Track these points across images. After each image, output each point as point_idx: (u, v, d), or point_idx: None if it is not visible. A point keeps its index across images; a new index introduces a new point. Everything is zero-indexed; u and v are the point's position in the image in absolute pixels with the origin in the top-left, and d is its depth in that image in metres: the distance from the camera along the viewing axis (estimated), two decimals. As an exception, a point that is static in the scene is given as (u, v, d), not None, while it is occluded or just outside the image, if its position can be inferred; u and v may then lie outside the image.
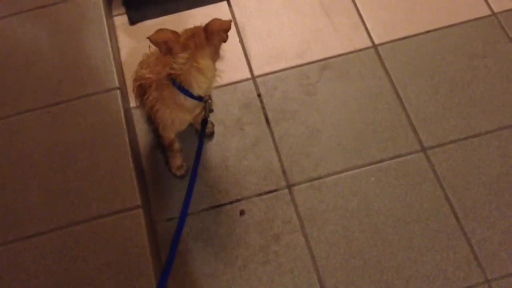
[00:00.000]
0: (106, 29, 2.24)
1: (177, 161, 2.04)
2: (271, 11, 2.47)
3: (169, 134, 1.95)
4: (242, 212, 1.99)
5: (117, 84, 2.11)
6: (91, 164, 1.94)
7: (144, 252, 1.78)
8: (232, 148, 2.11)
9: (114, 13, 2.49)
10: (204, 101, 1.78)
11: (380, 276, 1.84)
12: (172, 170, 2.06)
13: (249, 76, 2.29)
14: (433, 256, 1.87)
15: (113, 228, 1.82)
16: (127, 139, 1.98)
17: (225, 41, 1.70)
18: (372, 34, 2.36)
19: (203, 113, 1.85)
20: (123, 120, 2.02)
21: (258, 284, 1.86)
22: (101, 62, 2.16)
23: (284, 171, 2.06)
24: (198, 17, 2.45)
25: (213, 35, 1.64)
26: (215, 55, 1.71)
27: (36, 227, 1.84)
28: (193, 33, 1.63)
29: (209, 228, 1.95)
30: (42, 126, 2.04)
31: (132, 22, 2.46)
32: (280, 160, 2.09)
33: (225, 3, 2.50)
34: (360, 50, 2.33)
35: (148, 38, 1.62)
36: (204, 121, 1.85)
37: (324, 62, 2.30)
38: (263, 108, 2.21)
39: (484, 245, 1.88)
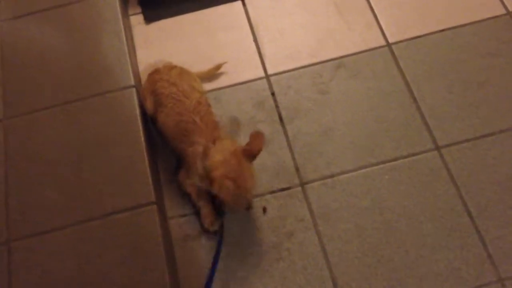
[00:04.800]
0: (122, 28, 2.27)
1: (207, 215, 1.97)
2: (285, 10, 2.48)
3: (189, 188, 1.98)
4: (265, 210, 2.00)
5: (132, 82, 2.13)
6: (106, 161, 1.96)
7: (158, 249, 1.80)
8: (245, 146, 2.12)
9: (130, 12, 2.52)
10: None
11: (393, 274, 1.84)
12: (204, 225, 1.96)
13: (262, 74, 2.30)
14: (446, 255, 1.86)
15: (127, 224, 1.84)
16: (142, 136, 2.00)
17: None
18: (386, 33, 2.36)
19: None
20: (139, 118, 2.04)
21: (271, 281, 1.87)
22: (117, 61, 2.18)
23: (297, 169, 2.07)
24: (213, 16, 2.47)
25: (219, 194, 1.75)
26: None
27: (51, 223, 1.86)
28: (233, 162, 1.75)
29: (223, 225, 1.96)
30: (58, 124, 2.06)
31: (148, 21, 2.49)
32: (293, 158, 2.09)
33: (239, 2, 2.51)
34: (373, 49, 2.33)
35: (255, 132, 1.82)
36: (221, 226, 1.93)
37: (338, 61, 2.31)
38: (277, 106, 2.22)
39: (498, 243, 1.87)
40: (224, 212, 1.93)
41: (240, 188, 1.74)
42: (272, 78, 2.29)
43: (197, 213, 2.00)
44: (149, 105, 2.07)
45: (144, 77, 2.22)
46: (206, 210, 1.97)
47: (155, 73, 2.10)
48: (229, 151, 1.77)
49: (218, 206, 1.95)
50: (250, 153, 1.78)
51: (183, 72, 2.11)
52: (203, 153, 1.79)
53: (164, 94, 1.99)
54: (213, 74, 2.29)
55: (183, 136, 1.91)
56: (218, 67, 2.28)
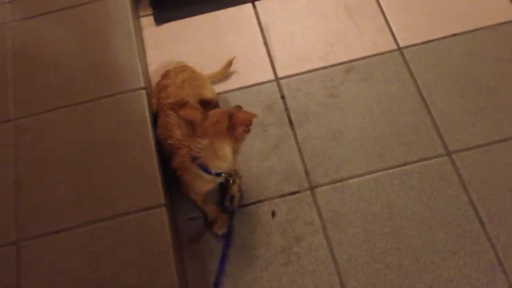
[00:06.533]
0: (133, 30, 2.28)
1: (215, 219, 1.98)
2: (295, 14, 2.48)
3: (193, 196, 1.99)
4: (273, 213, 1.99)
5: (142, 84, 2.13)
6: (117, 162, 1.96)
7: (167, 250, 1.80)
8: (255, 149, 2.12)
9: (141, 13, 2.53)
10: (226, 177, 1.87)
11: (403, 280, 1.83)
12: (213, 229, 1.97)
13: (272, 77, 2.30)
14: (457, 261, 1.85)
15: (137, 226, 1.84)
16: (152, 138, 2.00)
17: (247, 133, 1.76)
18: (397, 37, 2.35)
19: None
20: (148, 120, 2.04)
21: (279, 285, 1.86)
22: (127, 62, 2.19)
23: (306, 173, 2.06)
24: (223, 18, 2.47)
25: (236, 127, 1.70)
26: (236, 144, 1.77)
27: (62, 223, 1.87)
28: (216, 120, 1.71)
29: (231, 228, 1.95)
30: (68, 124, 2.07)
31: (158, 22, 2.49)
32: (303, 161, 2.09)
33: (249, 5, 2.51)
34: (384, 52, 2.32)
35: (178, 113, 1.78)
36: (231, 197, 1.93)
37: (348, 65, 2.30)
38: (287, 109, 2.21)
39: (509, 250, 1.85)
40: (233, 212, 1.93)
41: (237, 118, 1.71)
42: (282, 81, 2.29)
43: (205, 216, 2.00)
44: (155, 109, 2.09)
45: (154, 79, 2.23)
46: (213, 214, 1.98)
47: (164, 78, 2.11)
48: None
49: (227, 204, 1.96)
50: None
51: (192, 77, 2.11)
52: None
53: (161, 105, 2.01)
54: (225, 73, 2.30)
55: (170, 153, 1.91)
56: (229, 64, 2.29)
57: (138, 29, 2.41)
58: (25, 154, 2.02)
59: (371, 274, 1.85)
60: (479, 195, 1.96)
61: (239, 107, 1.85)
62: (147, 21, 2.51)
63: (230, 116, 1.70)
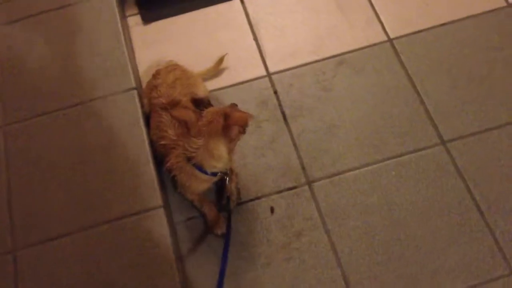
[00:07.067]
0: (121, 30, 2.24)
1: (213, 219, 1.95)
2: (285, 8, 2.46)
3: (190, 196, 1.97)
4: (272, 210, 1.98)
5: (133, 84, 2.11)
6: (111, 164, 1.94)
7: (167, 252, 1.78)
8: (250, 146, 2.11)
9: (128, 13, 2.48)
10: (222, 176, 1.86)
11: (404, 271, 1.84)
12: (212, 230, 1.95)
13: (264, 73, 2.28)
14: (457, 250, 1.86)
15: (135, 229, 1.82)
16: (146, 139, 1.98)
17: (243, 133, 1.74)
18: (387, 28, 2.35)
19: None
20: (141, 120, 2.02)
21: (282, 281, 1.85)
22: (117, 63, 2.16)
23: (303, 168, 2.05)
24: (212, 15, 2.45)
25: (230, 128, 1.68)
26: (231, 143, 1.74)
27: (57, 229, 1.84)
28: (211, 119, 1.68)
29: (231, 226, 1.93)
30: (59, 129, 2.04)
31: (146, 21, 2.46)
32: (299, 156, 2.08)
33: (238, 1, 2.49)
34: (375, 44, 2.32)
35: (171, 114, 1.76)
36: (227, 196, 1.93)
37: (340, 58, 2.29)
38: (280, 105, 2.20)
39: (508, 237, 1.87)
40: (230, 211, 1.92)
41: (233, 118, 1.69)
42: (274, 77, 2.27)
43: (203, 215, 1.98)
44: (146, 109, 2.06)
45: (144, 79, 2.20)
46: (211, 214, 1.95)
47: (154, 77, 2.08)
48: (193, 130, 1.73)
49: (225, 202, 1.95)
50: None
51: (182, 76, 2.07)
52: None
53: (153, 105, 1.98)
54: (217, 70, 2.27)
55: (163, 153, 1.88)
56: (220, 61, 2.26)
57: (126, 29, 2.38)
58: (16, 161, 1.98)
59: (373, 266, 1.86)
60: (475, 182, 1.97)
61: (234, 105, 1.83)
62: (134, 20, 2.47)
63: (226, 116, 1.68)
